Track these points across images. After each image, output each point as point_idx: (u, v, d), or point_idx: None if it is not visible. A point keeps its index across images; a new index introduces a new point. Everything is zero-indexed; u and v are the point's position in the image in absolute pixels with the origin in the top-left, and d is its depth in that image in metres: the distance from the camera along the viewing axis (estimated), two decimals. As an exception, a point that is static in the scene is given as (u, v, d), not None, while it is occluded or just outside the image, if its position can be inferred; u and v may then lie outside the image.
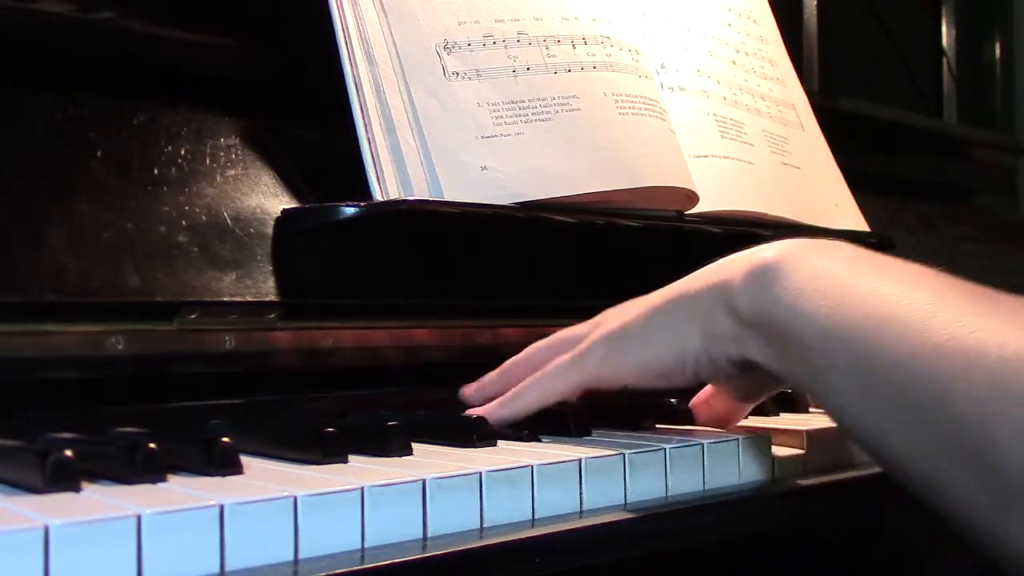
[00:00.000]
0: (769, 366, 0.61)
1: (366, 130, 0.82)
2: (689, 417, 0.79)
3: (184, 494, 0.50)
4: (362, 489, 0.52)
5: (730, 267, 0.62)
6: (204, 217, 0.77)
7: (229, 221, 0.78)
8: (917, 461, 0.53)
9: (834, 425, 0.75)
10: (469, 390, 0.77)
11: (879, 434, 0.55)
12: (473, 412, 0.73)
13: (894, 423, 0.53)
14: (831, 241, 0.61)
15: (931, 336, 0.52)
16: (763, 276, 0.59)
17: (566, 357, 0.70)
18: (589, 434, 0.72)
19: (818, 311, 0.56)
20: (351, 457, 0.61)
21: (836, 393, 0.56)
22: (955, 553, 0.82)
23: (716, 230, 1.00)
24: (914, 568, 0.83)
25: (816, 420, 0.80)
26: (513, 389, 0.73)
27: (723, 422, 0.75)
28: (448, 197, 0.83)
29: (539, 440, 0.69)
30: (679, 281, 0.66)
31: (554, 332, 0.77)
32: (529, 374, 0.73)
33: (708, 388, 0.77)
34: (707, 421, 0.77)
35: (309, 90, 0.89)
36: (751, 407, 0.77)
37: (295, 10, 0.89)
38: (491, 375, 0.78)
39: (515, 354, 0.78)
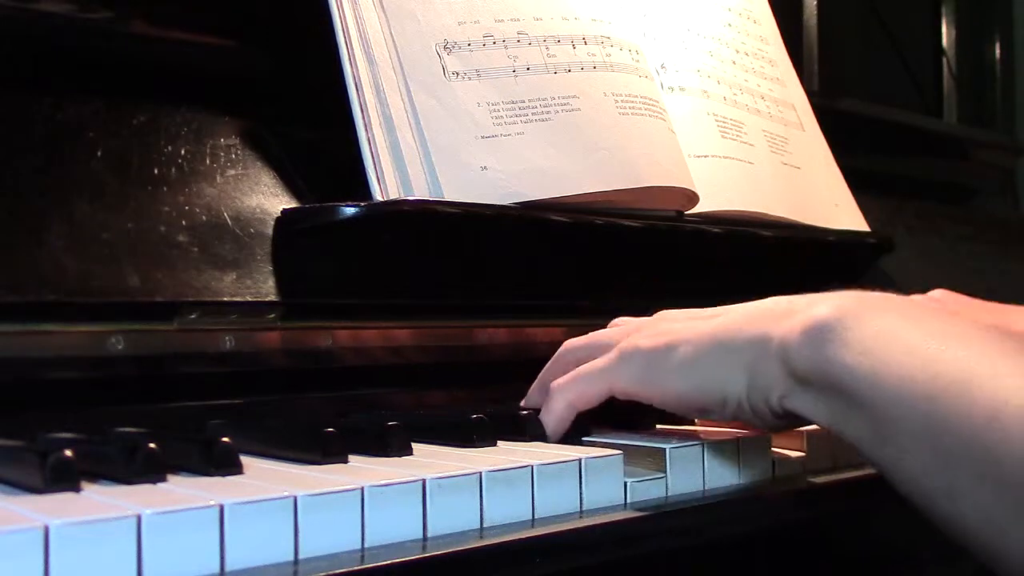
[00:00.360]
0: (822, 422, 0.61)
1: (366, 130, 0.82)
2: (687, 419, 0.79)
3: (184, 494, 0.50)
4: (362, 489, 0.52)
5: (786, 320, 0.61)
6: (204, 217, 0.77)
7: (229, 221, 0.78)
8: (990, 524, 0.53)
9: None
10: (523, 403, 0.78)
11: (949, 496, 0.54)
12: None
13: (966, 485, 0.53)
14: (888, 297, 0.61)
15: (1009, 400, 0.51)
16: (822, 333, 0.58)
17: (596, 364, 0.70)
18: (589, 434, 0.72)
19: (884, 373, 0.56)
20: (351, 457, 0.61)
21: (903, 455, 0.56)
22: (955, 554, 0.82)
23: (716, 230, 1.00)
24: (914, 569, 0.83)
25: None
26: (547, 398, 0.72)
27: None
28: (448, 197, 0.83)
29: (544, 439, 0.70)
30: (728, 317, 0.65)
31: (554, 332, 0.77)
32: (557, 380, 0.72)
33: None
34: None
35: (309, 90, 0.89)
36: None
37: (295, 10, 0.89)
38: (532, 389, 0.78)
39: (515, 354, 0.78)
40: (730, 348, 0.64)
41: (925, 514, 0.56)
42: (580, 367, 0.71)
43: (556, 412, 0.71)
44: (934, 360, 0.55)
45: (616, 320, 0.77)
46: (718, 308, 0.68)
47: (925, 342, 0.56)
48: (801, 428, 0.74)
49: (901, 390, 0.55)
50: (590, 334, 0.75)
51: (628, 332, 0.71)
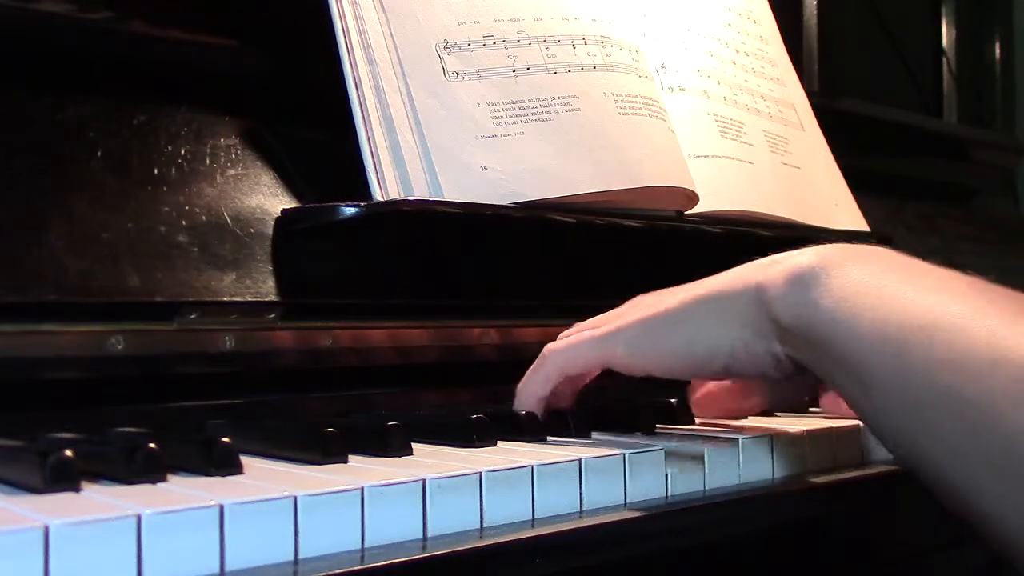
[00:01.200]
0: (812, 369, 0.61)
1: (366, 130, 0.82)
2: (689, 417, 0.79)
3: (184, 494, 0.50)
4: (362, 489, 0.52)
5: (768, 270, 0.62)
6: (204, 217, 0.77)
7: (229, 221, 0.78)
8: (955, 472, 0.53)
9: (834, 425, 0.76)
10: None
11: (915, 443, 0.55)
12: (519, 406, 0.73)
13: (933, 432, 0.53)
14: (870, 247, 0.62)
15: (975, 348, 0.52)
16: (802, 281, 0.59)
17: (594, 332, 0.71)
18: (589, 434, 0.72)
19: (859, 319, 0.56)
20: (351, 457, 0.61)
21: (875, 399, 0.56)
22: (957, 552, 0.82)
23: (716, 230, 1.00)
24: (916, 567, 0.83)
25: (815, 421, 0.80)
26: (534, 364, 0.73)
27: (728, 417, 0.75)
28: (448, 197, 0.83)
29: (545, 440, 0.70)
30: (714, 278, 0.67)
31: (554, 332, 0.77)
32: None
33: (710, 384, 0.77)
34: (710, 416, 0.77)
35: (309, 90, 0.89)
36: (759, 409, 0.77)
37: (295, 10, 0.89)
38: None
39: (516, 354, 0.78)
40: (718, 300, 0.65)
41: (910, 473, 0.56)
42: (576, 336, 0.72)
43: (544, 373, 0.72)
44: (905, 307, 0.55)
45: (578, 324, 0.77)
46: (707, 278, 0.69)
47: (899, 289, 0.56)
48: (802, 428, 0.75)
49: (873, 336, 0.55)
50: (592, 319, 0.76)
51: (625, 309, 0.72)
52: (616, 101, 0.93)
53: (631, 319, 0.70)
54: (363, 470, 0.57)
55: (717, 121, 1.07)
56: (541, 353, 0.74)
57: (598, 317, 0.75)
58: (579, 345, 0.72)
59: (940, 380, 0.52)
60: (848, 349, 0.57)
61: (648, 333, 0.68)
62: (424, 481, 0.54)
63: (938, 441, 0.53)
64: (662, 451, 0.65)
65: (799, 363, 0.63)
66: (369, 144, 0.82)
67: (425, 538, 0.54)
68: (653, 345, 0.68)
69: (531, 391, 0.73)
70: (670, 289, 0.71)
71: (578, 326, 0.76)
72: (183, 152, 0.79)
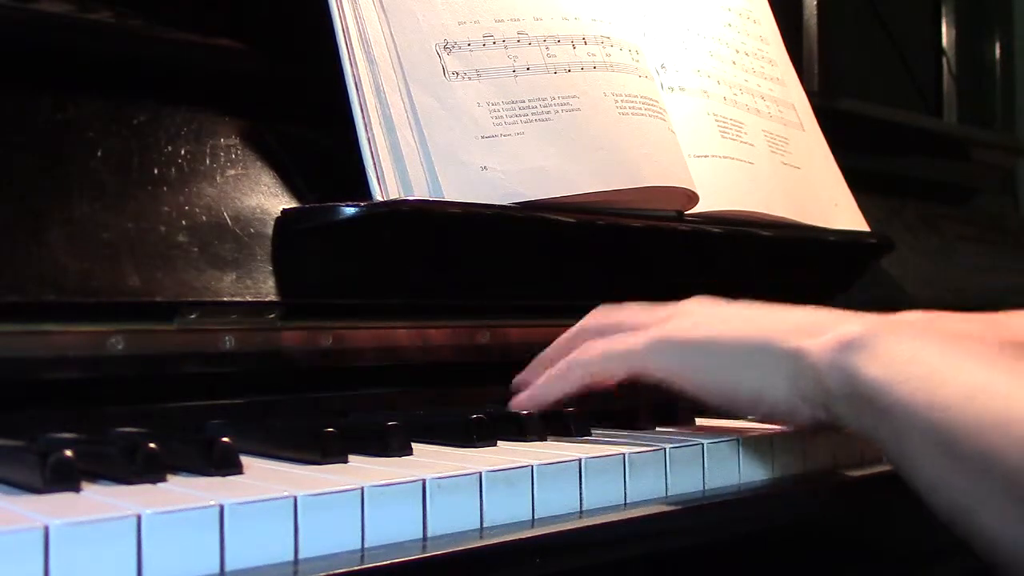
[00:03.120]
0: (856, 431, 0.65)
1: (366, 130, 0.82)
2: (690, 417, 0.79)
3: (184, 494, 0.50)
4: (362, 489, 0.52)
5: (820, 335, 0.66)
6: (204, 217, 0.77)
7: (229, 221, 0.78)
8: (988, 519, 0.57)
9: None
10: (516, 378, 0.79)
11: (949, 490, 0.59)
12: (516, 400, 0.74)
13: (964, 485, 0.58)
14: (903, 319, 0.67)
15: (996, 412, 0.56)
16: (851, 349, 0.63)
17: (627, 343, 0.72)
18: (589, 434, 0.72)
19: (901, 385, 0.61)
20: (351, 457, 0.61)
21: (917, 461, 0.61)
22: (955, 554, 0.82)
23: (716, 230, 1.00)
24: (917, 567, 0.83)
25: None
26: (558, 366, 0.74)
27: None
28: (448, 197, 0.83)
29: (545, 439, 0.70)
30: (759, 321, 0.69)
31: (554, 332, 0.77)
32: (579, 350, 0.74)
33: None
34: None
35: (309, 90, 0.89)
36: None
37: (295, 10, 0.89)
38: (540, 358, 0.79)
39: (515, 354, 0.78)
40: (767, 357, 0.67)
41: (945, 521, 0.60)
42: (608, 344, 0.73)
43: (572, 380, 0.73)
44: (944, 375, 0.60)
45: (629, 305, 0.77)
46: (741, 304, 0.71)
47: (938, 359, 0.61)
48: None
49: (915, 400, 0.60)
50: (616, 313, 0.77)
51: (658, 319, 0.73)
52: (616, 101, 0.93)
53: (668, 334, 0.71)
54: (363, 470, 0.57)
55: (717, 121, 1.07)
56: (568, 359, 0.73)
57: (623, 314, 0.75)
58: (615, 357, 0.72)
59: (982, 441, 0.56)
60: (890, 411, 0.61)
61: (686, 358, 0.70)
62: (424, 481, 0.54)
63: (971, 492, 0.58)
64: (663, 451, 0.65)
65: (837, 423, 0.66)
66: (369, 144, 0.82)
67: (425, 538, 0.54)
68: (697, 375, 0.70)
69: (550, 394, 0.73)
70: (711, 311, 0.72)
71: (603, 318, 0.76)
72: (183, 152, 0.79)
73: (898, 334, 0.64)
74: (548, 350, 0.80)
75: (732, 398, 0.69)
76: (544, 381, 0.74)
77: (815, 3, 1.58)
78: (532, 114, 0.88)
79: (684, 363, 0.70)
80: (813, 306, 0.71)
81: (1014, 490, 0.55)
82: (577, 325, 0.78)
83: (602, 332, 0.75)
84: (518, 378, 0.80)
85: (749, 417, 0.77)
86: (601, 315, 0.78)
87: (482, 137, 0.86)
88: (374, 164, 0.81)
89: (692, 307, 0.74)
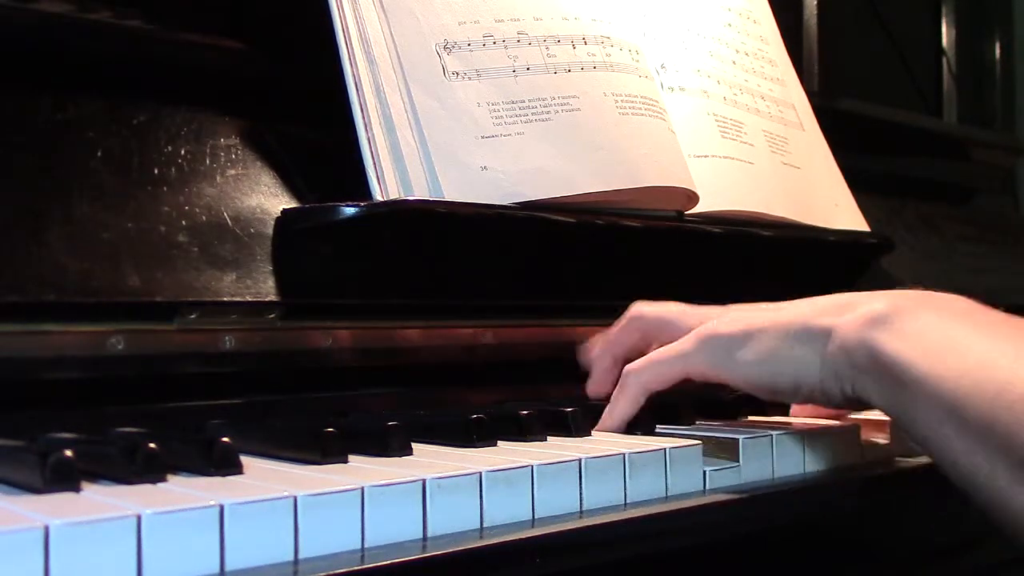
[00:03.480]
0: (879, 405, 0.67)
1: (366, 130, 0.82)
2: (690, 417, 0.79)
3: (184, 494, 0.50)
4: (362, 489, 0.52)
5: (848, 313, 0.68)
6: (204, 217, 0.77)
7: (229, 221, 0.78)
8: (989, 486, 0.60)
9: (830, 424, 0.76)
10: (589, 389, 0.83)
11: (965, 466, 0.61)
12: (601, 427, 0.76)
13: (979, 458, 0.60)
14: (933, 295, 0.68)
15: (1010, 385, 0.59)
16: (876, 324, 0.66)
17: (674, 350, 0.75)
18: (589, 434, 0.72)
19: (922, 356, 0.63)
20: (351, 457, 0.61)
21: (929, 428, 0.63)
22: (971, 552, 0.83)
23: (716, 230, 1.00)
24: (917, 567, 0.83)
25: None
26: (620, 384, 0.76)
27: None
28: (448, 197, 0.83)
29: (545, 439, 0.70)
30: (797, 307, 0.72)
31: (555, 332, 0.78)
32: (627, 353, 0.78)
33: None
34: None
35: (309, 90, 0.89)
36: None
37: (295, 10, 0.89)
38: (599, 352, 0.82)
39: (515, 353, 0.79)
40: (803, 339, 0.70)
41: (963, 491, 0.62)
42: (655, 353, 0.76)
43: (632, 395, 0.75)
44: (957, 346, 0.63)
45: (668, 304, 0.80)
46: (780, 303, 0.74)
47: (956, 332, 0.64)
48: (803, 426, 0.75)
49: (930, 372, 0.62)
50: (661, 309, 0.80)
51: (701, 317, 0.76)
52: (616, 101, 0.93)
53: (713, 331, 0.74)
54: (363, 470, 0.57)
55: (717, 121, 1.07)
56: (624, 373, 0.76)
57: (670, 313, 0.78)
58: (662, 363, 0.75)
59: (984, 410, 0.59)
60: (911, 382, 0.63)
61: (730, 351, 0.73)
62: (424, 481, 0.54)
63: (978, 461, 0.60)
64: (663, 451, 0.65)
65: (864, 400, 0.68)
66: (369, 144, 0.82)
67: (425, 538, 0.54)
68: (740, 367, 0.72)
69: (620, 415, 0.75)
70: (749, 306, 0.75)
71: (651, 308, 0.80)
72: (183, 152, 0.79)
73: (921, 308, 0.66)
74: (598, 349, 0.82)
75: (774, 386, 0.71)
76: (610, 407, 0.77)
77: (815, 3, 1.58)
78: (532, 114, 0.89)
79: (727, 356, 0.73)
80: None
81: (1013, 457, 0.57)
82: (629, 313, 0.81)
83: (652, 325, 0.79)
84: (589, 387, 0.83)
85: (788, 403, 0.80)
86: (647, 309, 0.81)
87: (482, 137, 0.86)
88: (374, 164, 0.81)
89: (731, 308, 0.77)
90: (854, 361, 0.67)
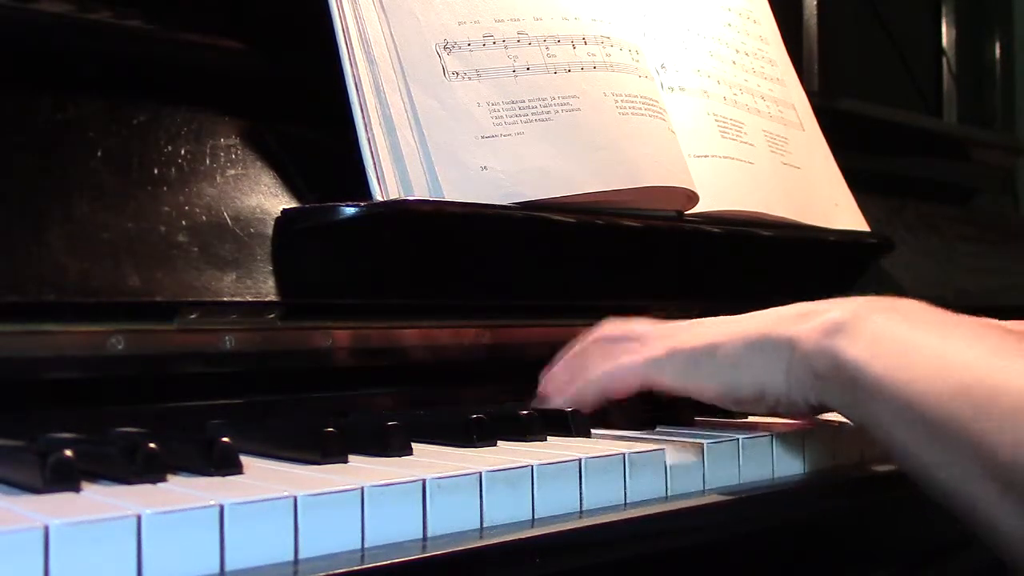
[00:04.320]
0: (841, 411, 0.68)
1: (366, 130, 0.82)
2: (689, 417, 0.79)
3: (184, 494, 0.50)
4: (362, 489, 0.52)
5: (807, 322, 0.68)
6: (204, 217, 0.77)
7: (229, 221, 0.78)
8: (947, 483, 0.60)
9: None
10: (540, 386, 0.82)
11: (923, 464, 0.62)
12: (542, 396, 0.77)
13: (935, 456, 0.61)
14: (897, 301, 0.69)
15: (960, 382, 0.60)
16: (834, 332, 0.66)
17: (641, 356, 0.75)
18: (589, 434, 0.72)
19: (876, 361, 0.64)
20: (351, 457, 0.61)
21: (886, 430, 0.64)
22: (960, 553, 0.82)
23: (716, 230, 1.00)
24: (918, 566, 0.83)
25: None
26: (581, 376, 0.76)
27: None
28: (448, 197, 0.83)
29: (545, 439, 0.70)
30: (758, 318, 0.73)
31: (554, 332, 0.77)
32: (593, 364, 0.77)
33: None
34: None
35: (309, 90, 0.89)
36: None
37: (295, 10, 0.89)
38: (558, 367, 0.81)
39: (515, 353, 0.79)
40: (765, 349, 0.70)
41: (923, 487, 0.63)
42: (621, 359, 0.75)
43: (588, 398, 0.76)
44: (914, 349, 0.63)
45: (634, 321, 0.79)
46: (742, 315, 0.74)
47: (910, 334, 0.65)
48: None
49: (888, 375, 0.63)
50: (625, 327, 0.79)
51: (666, 332, 0.76)
52: (616, 101, 0.93)
53: (678, 345, 0.74)
54: (363, 470, 0.57)
55: (717, 121, 1.07)
56: (583, 377, 0.76)
57: (634, 329, 0.77)
58: (624, 370, 0.75)
59: (944, 410, 0.60)
60: (867, 387, 0.64)
61: (695, 364, 0.73)
62: (424, 481, 0.54)
63: (942, 462, 0.60)
64: (663, 451, 0.65)
65: (826, 406, 0.69)
66: (369, 144, 0.82)
67: (425, 538, 0.54)
68: (701, 377, 0.73)
69: (563, 403, 0.75)
70: (714, 320, 0.75)
71: (615, 330, 0.78)
72: (183, 152, 0.79)
73: (878, 313, 0.66)
74: (559, 362, 0.81)
75: (738, 396, 0.72)
76: (560, 390, 0.77)
77: (815, 3, 1.58)
78: (532, 114, 0.89)
79: (692, 370, 0.73)
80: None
81: (980, 459, 0.58)
82: (588, 336, 0.80)
83: (613, 342, 0.78)
84: (539, 390, 0.82)
85: (755, 414, 0.79)
86: (610, 327, 0.80)
87: (482, 137, 0.86)
88: (374, 164, 0.81)
89: (696, 321, 0.77)
90: (816, 369, 0.67)
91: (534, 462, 0.59)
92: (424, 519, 0.54)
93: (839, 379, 0.66)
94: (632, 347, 0.76)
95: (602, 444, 0.67)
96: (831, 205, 1.17)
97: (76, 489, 0.51)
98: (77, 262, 0.70)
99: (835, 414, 0.70)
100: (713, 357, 0.72)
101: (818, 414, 0.72)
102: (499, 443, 0.67)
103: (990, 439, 0.57)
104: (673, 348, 0.74)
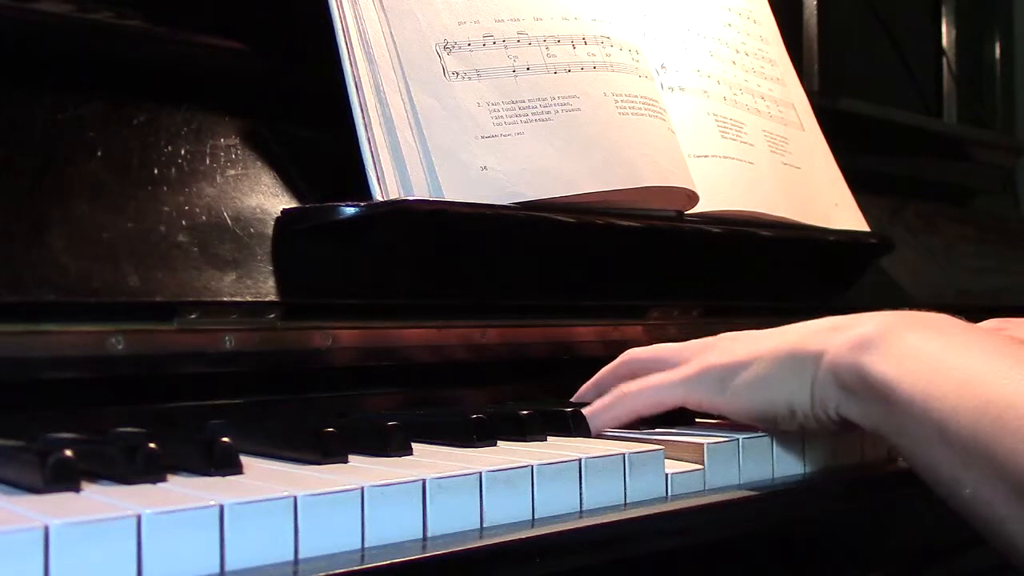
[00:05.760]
0: (866, 426, 0.68)
1: (366, 130, 0.82)
2: (689, 418, 0.79)
3: (184, 494, 0.50)
4: (362, 489, 0.52)
5: (837, 336, 0.69)
6: (204, 217, 0.77)
7: (229, 221, 0.78)
8: (971, 501, 0.61)
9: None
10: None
11: (954, 483, 0.62)
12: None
13: (959, 472, 0.61)
14: (928, 316, 0.69)
15: (983, 398, 0.60)
16: (863, 346, 0.66)
17: (674, 375, 0.75)
18: (589, 434, 0.72)
19: (907, 377, 0.64)
20: (351, 457, 0.61)
21: (913, 448, 0.64)
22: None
23: (716, 230, 1.00)
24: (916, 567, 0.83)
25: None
26: (613, 393, 0.76)
27: None
28: (448, 197, 0.83)
29: (545, 439, 0.70)
30: (787, 333, 0.73)
31: (554, 332, 0.77)
32: (626, 385, 0.76)
33: None
34: None
35: (309, 90, 0.89)
36: None
37: (295, 10, 0.89)
38: (586, 386, 0.82)
39: (515, 353, 0.78)
40: (794, 365, 0.70)
41: (949, 504, 0.63)
42: (653, 377, 0.75)
43: (619, 416, 0.75)
44: (942, 366, 0.63)
45: (655, 346, 0.80)
46: (774, 329, 0.74)
47: (941, 352, 0.64)
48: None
49: (915, 392, 0.63)
50: (654, 348, 0.80)
51: (696, 350, 0.76)
52: (616, 101, 0.93)
53: (709, 364, 0.74)
54: (363, 470, 0.57)
55: (717, 121, 1.07)
56: (618, 390, 0.76)
57: (669, 349, 0.78)
58: (658, 389, 0.75)
59: (968, 428, 0.60)
60: (896, 402, 0.64)
61: (731, 384, 0.73)
62: (424, 481, 0.54)
63: (973, 480, 0.60)
64: (663, 451, 0.65)
65: (853, 422, 0.69)
66: (369, 144, 0.82)
67: (425, 538, 0.54)
68: (737, 397, 0.72)
69: (598, 426, 0.75)
70: (746, 334, 0.75)
71: (651, 350, 0.79)
72: (183, 152, 0.79)
73: (908, 329, 0.66)
74: (590, 385, 0.82)
75: (769, 412, 0.71)
76: (592, 410, 0.76)
77: (815, 3, 1.58)
78: (532, 114, 0.89)
79: (722, 386, 0.73)
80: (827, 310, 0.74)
81: (1004, 475, 0.58)
82: (622, 356, 0.81)
83: (643, 363, 0.78)
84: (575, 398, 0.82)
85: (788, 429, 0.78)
86: (641, 351, 0.81)
87: (482, 137, 0.86)
88: (374, 164, 0.81)
89: (725, 337, 0.77)
90: (842, 381, 0.67)
91: (534, 462, 0.59)
92: (424, 519, 0.54)
93: (866, 394, 0.66)
94: (664, 367, 0.76)
95: (602, 444, 0.67)
96: (831, 205, 1.17)
97: (76, 489, 0.51)
98: (77, 262, 0.70)
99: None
100: (743, 374, 0.72)
101: (845, 426, 0.71)
102: (499, 443, 0.67)
103: (1014, 457, 0.58)
104: (705, 367, 0.74)
